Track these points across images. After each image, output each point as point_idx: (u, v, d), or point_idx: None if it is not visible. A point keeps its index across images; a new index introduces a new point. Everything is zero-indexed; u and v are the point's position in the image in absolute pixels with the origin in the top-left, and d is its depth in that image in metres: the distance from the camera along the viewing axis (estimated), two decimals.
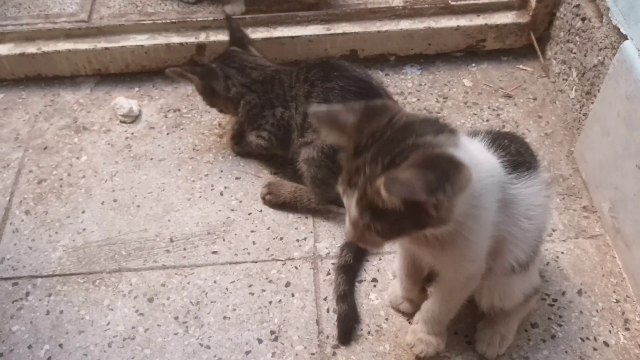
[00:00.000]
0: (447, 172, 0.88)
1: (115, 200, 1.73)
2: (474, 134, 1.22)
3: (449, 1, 2.08)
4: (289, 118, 1.64)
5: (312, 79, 1.59)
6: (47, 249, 1.63)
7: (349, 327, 1.45)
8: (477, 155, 1.04)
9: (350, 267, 1.54)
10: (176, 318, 1.49)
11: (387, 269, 1.56)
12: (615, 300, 1.49)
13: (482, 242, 1.09)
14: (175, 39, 1.99)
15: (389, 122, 0.98)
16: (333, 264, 1.57)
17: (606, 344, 1.41)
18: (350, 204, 0.99)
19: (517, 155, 1.16)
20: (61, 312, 1.51)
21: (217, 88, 1.71)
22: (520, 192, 1.12)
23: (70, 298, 1.53)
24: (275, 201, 1.68)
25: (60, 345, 1.44)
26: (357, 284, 1.53)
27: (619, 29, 1.54)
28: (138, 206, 1.71)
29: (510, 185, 1.11)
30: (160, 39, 2.00)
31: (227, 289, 1.54)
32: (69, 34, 2.02)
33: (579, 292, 1.50)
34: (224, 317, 1.48)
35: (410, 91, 1.99)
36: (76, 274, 1.58)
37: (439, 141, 0.95)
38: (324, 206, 1.65)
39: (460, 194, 0.92)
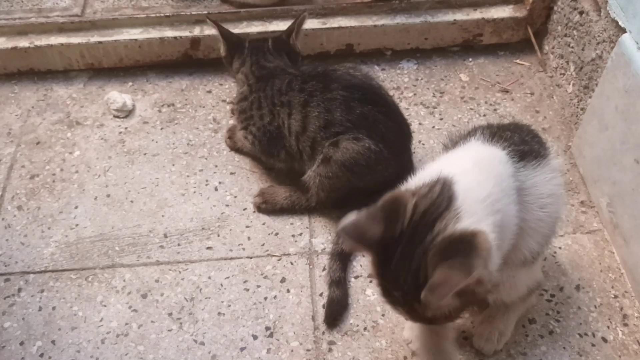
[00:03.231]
0: (466, 251, 0.92)
1: (108, 196, 1.71)
2: (472, 131, 1.21)
3: None
4: (277, 126, 1.61)
5: (310, 90, 1.56)
6: (40, 245, 1.61)
7: (338, 312, 1.45)
8: (478, 179, 1.05)
9: (346, 254, 1.53)
10: (170, 314, 1.47)
11: None
12: (613, 296, 1.48)
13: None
14: (169, 33, 1.97)
15: (409, 219, 1.00)
16: (328, 251, 1.56)
17: (604, 339, 1.40)
18: (403, 314, 1.06)
19: (522, 144, 1.15)
20: (54, 308, 1.49)
21: (234, 63, 1.72)
22: (530, 181, 1.11)
23: (63, 294, 1.51)
24: (272, 209, 1.66)
25: (53, 342, 1.43)
26: (353, 279, 1.52)
27: (617, 22, 1.53)
28: (131, 201, 1.70)
29: (519, 174, 1.10)
30: (154, 33, 1.98)
31: (221, 284, 1.52)
32: (62, 28, 1.99)
33: (577, 287, 1.49)
34: (219, 313, 1.47)
35: (407, 86, 1.98)
36: (69, 270, 1.56)
37: (446, 223, 0.97)
38: (324, 207, 1.64)
39: (489, 256, 0.95)
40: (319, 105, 1.54)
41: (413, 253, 0.97)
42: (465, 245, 0.94)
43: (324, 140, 1.54)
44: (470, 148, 1.16)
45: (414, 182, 1.08)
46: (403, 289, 0.99)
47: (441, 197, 1.00)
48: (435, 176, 1.04)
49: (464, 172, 1.05)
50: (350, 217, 1.02)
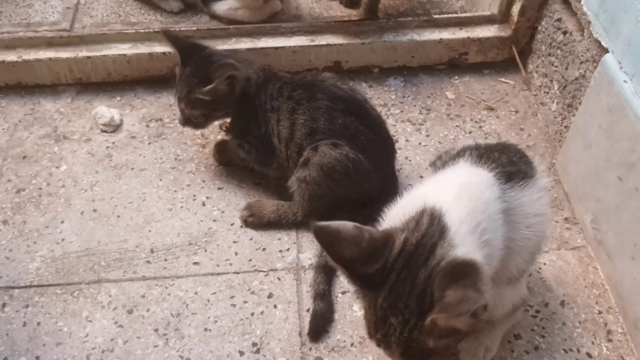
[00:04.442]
0: (473, 275, 0.93)
1: (95, 210, 1.70)
2: (461, 152, 1.23)
3: (432, 14, 2.10)
4: (269, 135, 1.62)
5: (297, 98, 1.58)
6: (25, 260, 1.59)
7: (322, 326, 1.46)
8: (467, 209, 1.05)
9: (330, 267, 1.53)
10: (156, 330, 1.46)
11: None
12: (597, 312, 1.49)
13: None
14: (158, 48, 1.98)
15: (398, 251, 1.00)
16: (312, 264, 1.57)
17: (589, 355, 1.41)
18: (395, 353, 1.03)
19: (510, 165, 1.16)
20: (38, 323, 1.47)
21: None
22: (517, 202, 1.13)
23: (48, 309, 1.50)
24: (259, 223, 1.66)
25: (37, 358, 1.41)
26: (340, 294, 1.52)
27: (600, 43, 1.56)
28: (118, 216, 1.69)
29: (506, 196, 1.11)
30: (143, 49, 1.98)
31: (208, 300, 1.51)
32: (50, 43, 1.99)
33: (562, 303, 1.50)
34: (205, 329, 1.46)
35: (394, 103, 2.00)
36: (54, 285, 1.54)
37: (445, 249, 0.98)
38: (312, 220, 1.64)
39: (488, 283, 0.96)
40: (304, 113, 1.56)
41: (414, 278, 0.97)
42: (470, 270, 0.94)
43: (308, 147, 1.56)
44: (457, 171, 1.17)
45: (399, 215, 1.08)
46: (403, 315, 0.97)
47: (432, 227, 1.00)
48: (420, 208, 1.04)
49: (452, 202, 1.05)
50: (338, 223, 1.01)
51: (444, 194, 1.07)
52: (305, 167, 1.56)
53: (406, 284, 0.97)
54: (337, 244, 0.98)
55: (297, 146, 1.58)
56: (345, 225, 1.00)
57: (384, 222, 1.14)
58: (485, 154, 1.18)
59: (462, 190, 1.08)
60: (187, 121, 1.67)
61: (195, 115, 1.64)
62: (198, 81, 1.58)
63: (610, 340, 1.44)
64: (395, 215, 1.10)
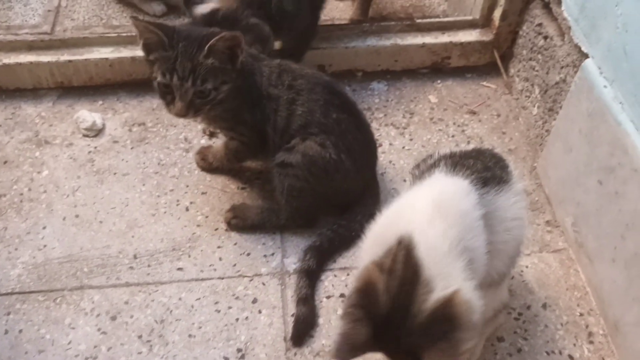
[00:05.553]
0: (448, 329, 0.95)
1: (77, 216, 1.69)
2: (436, 162, 1.23)
3: (415, 19, 2.11)
4: (263, 123, 1.58)
5: (298, 89, 1.57)
6: (6, 266, 1.57)
7: (304, 331, 1.46)
8: (439, 230, 1.05)
9: (313, 272, 1.54)
10: (140, 337, 1.45)
11: None
12: (579, 314, 1.51)
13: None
14: (140, 51, 1.95)
15: (385, 303, 1.00)
16: (296, 268, 1.57)
17: (571, 357, 1.43)
18: None
19: (485, 170, 1.18)
20: (20, 331, 1.46)
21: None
22: (494, 206, 1.14)
23: (30, 317, 1.48)
24: (242, 225, 1.66)
25: None
26: (325, 299, 1.52)
27: (580, 48, 1.58)
28: (101, 222, 1.68)
29: (483, 200, 1.12)
30: (126, 52, 1.97)
31: (192, 306, 1.51)
32: (31, 46, 1.97)
33: (544, 305, 1.52)
34: (189, 336, 1.45)
35: (378, 107, 2.01)
36: (36, 292, 1.53)
37: (419, 302, 0.99)
38: (294, 222, 1.64)
39: (471, 311, 0.99)
40: (303, 104, 1.56)
41: (399, 340, 0.98)
42: (445, 323, 0.96)
43: (298, 137, 1.56)
44: (431, 186, 1.17)
45: (378, 240, 1.08)
46: None
47: (407, 271, 1.01)
48: (396, 236, 1.04)
49: (424, 228, 1.05)
50: (334, 339, 1.01)
51: (417, 217, 1.08)
52: (288, 152, 1.56)
53: (394, 346, 0.99)
54: (357, 344, 1.00)
55: (290, 137, 1.57)
56: (340, 329, 1.02)
57: (365, 243, 1.15)
58: (459, 162, 1.20)
59: (435, 208, 1.08)
60: (189, 106, 1.48)
61: (205, 91, 1.47)
62: (197, 49, 1.44)
63: (591, 342, 1.46)
64: (377, 237, 1.11)
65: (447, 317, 0.96)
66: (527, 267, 1.59)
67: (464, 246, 1.04)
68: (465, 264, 1.02)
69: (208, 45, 1.42)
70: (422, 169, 1.24)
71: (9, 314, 1.49)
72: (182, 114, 1.50)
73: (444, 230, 1.05)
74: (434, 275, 1.00)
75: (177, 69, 1.44)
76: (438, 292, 0.98)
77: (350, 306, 1.01)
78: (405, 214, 1.10)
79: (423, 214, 1.08)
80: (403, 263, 1.01)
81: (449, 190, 1.14)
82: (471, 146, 1.84)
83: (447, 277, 1.00)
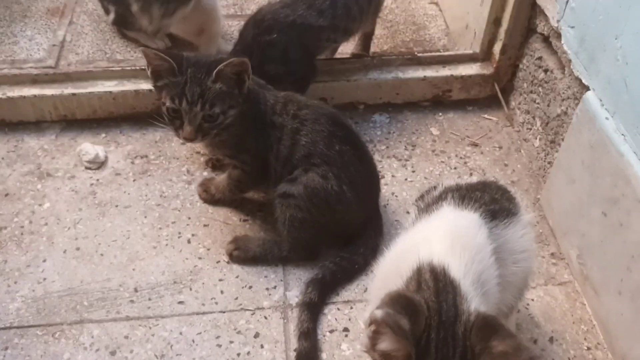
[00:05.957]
0: (502, 327, 0.94)
1: (78, 249, 1.68)
2: (442, 194, 1.23)
3: (416, 53, 2.14)
4: (266, 151, 1.59)
5: (303, 119, 1.58)
6: (5, 300, 1.56)
7: None
8: (464, 261, 1.04)
9: (315, 304, 1.52)
10: None
11: (358, 318, 1.53)
12: (586, 348, 1.48)
13: None
14: (144, 85, 1.98)
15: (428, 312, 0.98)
16: (297, 302, 1.55)
17: None
18: None
19: (493, 203, 1.17)
20: None
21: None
22: (503, 239, 1.13)
23: (29, 351, 1.46)
24: (244, 256, 1.65)
25: None
26: (328, 333, 1.50)
27: (580, 80, 1.59)
28: (102, 255, 1.66)
29: (492, 234, 1.11)
30: (129, 86, 1.99)
31: (193, 340, 1.49)
32: (35, 80, 1.99)
33: (551, 339, 1.50)
34: None
35: (380, 139, 2.01)
36: (35, 326, 1.51)
37: (467, 305, 0.98)
38: (296, 255, 1.63)
39: None
40: (307, 135, 1.56)
41: (454, 336, 0.95)
42: (497, 322, 0.95)
43: (301, 167, 1.56)
44: (443, 218, 1.16)
45: (393, 272, 1.06)
46: None
47: (441, 284, 0.99)
48: (415, 265, 1.03)
49: (449, 255, 1.04)
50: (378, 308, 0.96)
51: (437, 247, 1.06)
52: (290, 183, 1.56)
53: (447, 345, 0.95)
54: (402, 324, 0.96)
55: (292, 167, 1.57)
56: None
57: (376, 278, 1.14)
58: (467, 195, 1.19)
59: (454, 240, 1.07)
60: (198, 130, 1.50)
61: (213, 115, 1.49)
62: (206, 74, 1.47)
63: None
64: (390, 272, 1.09)
65: (494, 321, 0.95)
66: (533, 300, 1.57)
67: (483, 280, 1.03)
68: (484, 298, 1.01)
69: (216, 70, 1.45)
70: (428, 201, 1.24)
71: (6, 348, 1.46)
72: (191, 138, 1.52)
73: (468, 261, 1.04)
74: (469, 297, 0.98)
75: (187, 93, 1.47)
76: (473, 306, 0.97)
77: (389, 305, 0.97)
78: (422, 247, 1.07)
79: (443, 244, 1.06)
80: (434, 280, 0.99)
81: (462, 223, 1.13)
82: (475, 178, 1.84)
83: (478, 304, 0.99)
